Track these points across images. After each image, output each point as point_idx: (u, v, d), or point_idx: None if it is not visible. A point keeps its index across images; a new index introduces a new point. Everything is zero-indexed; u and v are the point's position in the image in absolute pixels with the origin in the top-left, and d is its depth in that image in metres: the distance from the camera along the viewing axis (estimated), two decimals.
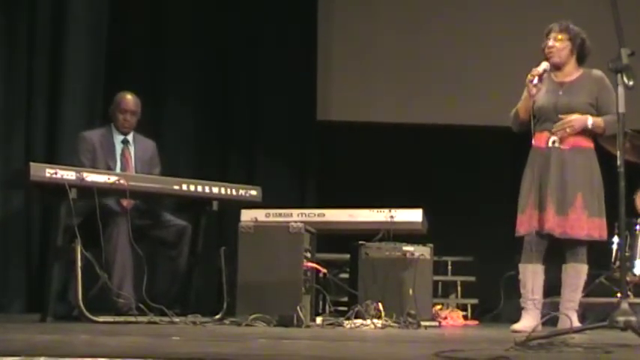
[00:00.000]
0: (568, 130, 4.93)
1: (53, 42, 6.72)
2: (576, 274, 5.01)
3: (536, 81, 4.91)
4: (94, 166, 5.54)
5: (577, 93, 5.00)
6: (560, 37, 5.01)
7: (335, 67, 8.23)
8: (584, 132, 4.97)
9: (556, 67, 5.04)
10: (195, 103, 7.75)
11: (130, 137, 5.89)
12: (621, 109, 3.51)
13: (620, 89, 3.50)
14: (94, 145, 5.74)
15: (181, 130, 7.60)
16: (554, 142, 4.98)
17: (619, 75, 3.50)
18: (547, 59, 5.00)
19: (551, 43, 5.02)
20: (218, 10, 7.83)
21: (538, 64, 4.96)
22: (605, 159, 4.97)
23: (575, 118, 4.92)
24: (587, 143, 5.01)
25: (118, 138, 5.85)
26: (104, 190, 5.23)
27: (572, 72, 5.07)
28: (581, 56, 5.07)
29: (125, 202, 5.52)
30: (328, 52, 8.19)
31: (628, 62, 3.49)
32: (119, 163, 5.79)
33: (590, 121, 4.93)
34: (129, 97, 5.88)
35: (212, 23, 7.81)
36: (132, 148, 5.88)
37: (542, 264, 4.99)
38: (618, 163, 3.45)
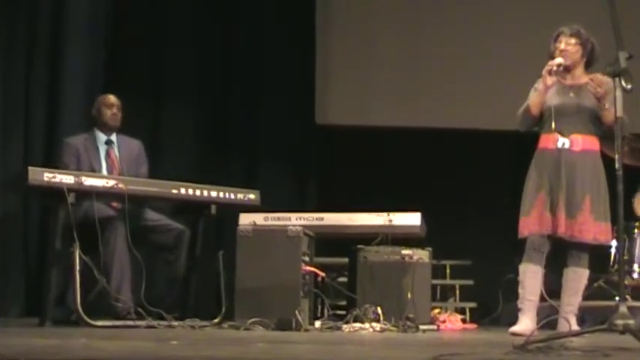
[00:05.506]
0: (598, 90, 4.87)
1: (52, 43, 6.72)
2: (577, 278, 5.02)
3: (555, 68, 4.92)
4: (79, 170, 5.54)
5: (586, 96, 5.01)
6: (572, 41, 5.03)
7: (334, 70, 8.22)
8: (594, 131, 4.99)
9: (566, 70, 5.06)
10: (194, 106, 7.73)
11: (113, 137, 5.89)
12: (619, 113, 3.52)
13: (619, 93, 3.50)
14: (78, 150, 5.75)
15: (180, 133, 7.58)
16: (563, 144, 4.98)
17: (617, 79, 3.50)
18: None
19: (563, 46, 5.04)
20: (217, 11, 7.81)
21: (552, 58, 4.98)
22: (604, 162, 4.97)
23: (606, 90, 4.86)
24: (595, 146, 5.03)
25: (102, 139, 5.86)
26: (102, 195, 5.23)
27: (580, 76, 5.09)
28: (590, 61, 5.09)
29: (114, 203, 5.51)
30: (327, 55, 8.17)
31: (626, 66, 3.48)
32: (104, 164, 5.80)
33: (608, 103, 4.86)
34: (111, 95, 5.95)
35: (211, 25, 7.80)
36: (116, 149, 5.88)
37: (542, 266, 4.98)
38: (617, 166, 3.45)
